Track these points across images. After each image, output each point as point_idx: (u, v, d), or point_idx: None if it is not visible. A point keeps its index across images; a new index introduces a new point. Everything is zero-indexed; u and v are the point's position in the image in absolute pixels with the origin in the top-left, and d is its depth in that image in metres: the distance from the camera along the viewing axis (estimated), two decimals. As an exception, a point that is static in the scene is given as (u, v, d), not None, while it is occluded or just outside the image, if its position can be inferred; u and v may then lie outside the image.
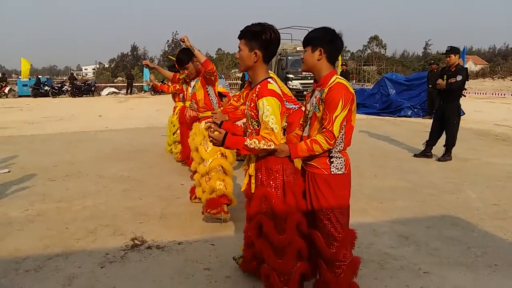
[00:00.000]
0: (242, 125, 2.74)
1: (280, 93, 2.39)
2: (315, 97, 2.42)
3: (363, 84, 31.44)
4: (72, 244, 3.60)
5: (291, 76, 18.19)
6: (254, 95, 2.38)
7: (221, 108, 4.31)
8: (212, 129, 2.48)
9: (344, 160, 2.41)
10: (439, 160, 6.82)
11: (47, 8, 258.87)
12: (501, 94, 18.30)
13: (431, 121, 8.68)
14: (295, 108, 4.33)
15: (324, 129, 2.31)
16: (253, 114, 2.40)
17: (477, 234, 3.80)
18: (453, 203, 4.64)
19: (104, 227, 3.98)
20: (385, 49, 59.47)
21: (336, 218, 2.39)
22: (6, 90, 26.05)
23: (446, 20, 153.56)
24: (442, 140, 6.97)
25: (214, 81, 4.27)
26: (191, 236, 3.75)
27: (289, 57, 19.08)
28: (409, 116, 13.27)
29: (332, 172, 2.38)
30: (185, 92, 5.83)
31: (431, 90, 12.35)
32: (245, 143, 2.31)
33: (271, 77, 2.46)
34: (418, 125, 11.35)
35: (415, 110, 13.50)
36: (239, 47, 2.45)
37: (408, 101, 13.84)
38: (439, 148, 7.00)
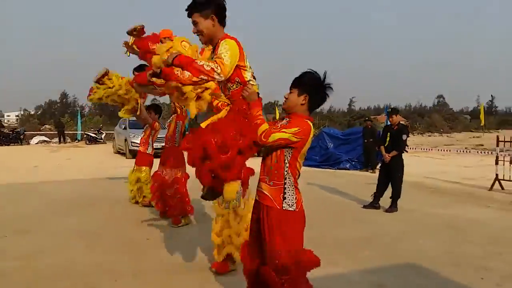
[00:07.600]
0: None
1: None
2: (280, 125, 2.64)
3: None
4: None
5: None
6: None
7: None
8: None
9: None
10: (386, 211, 7.25)
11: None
12: (422, 149, 20.02)
13: (369, 173, 9.39)
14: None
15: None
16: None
17: (439, 281, 4.12)
18: (411, 252, 4.97)
19: None
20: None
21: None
22: None
23: (368, 79, 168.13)
24: (388, 192, 7.50)
25: None
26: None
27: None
28: (348, 169, 14.09)
29: (284, 208, 2.52)
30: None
31: (367, 145, 13.44)
32: (195, 60, 2.51)
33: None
34: (358, 177, 12.06)
35: (353, 163, 14.37)
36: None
37: (346, 155, 14.73)
38: (386, 199, 7.50)
